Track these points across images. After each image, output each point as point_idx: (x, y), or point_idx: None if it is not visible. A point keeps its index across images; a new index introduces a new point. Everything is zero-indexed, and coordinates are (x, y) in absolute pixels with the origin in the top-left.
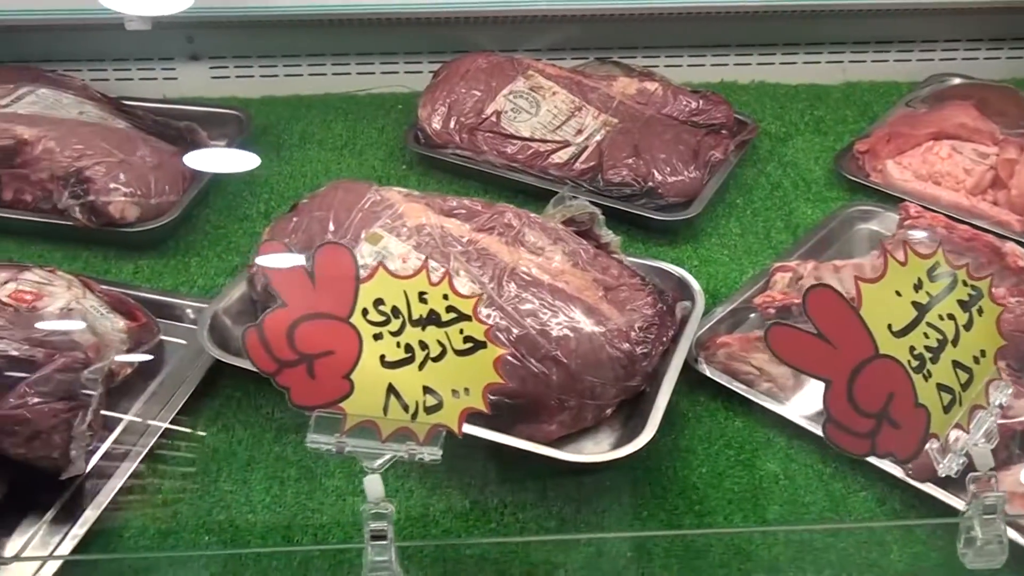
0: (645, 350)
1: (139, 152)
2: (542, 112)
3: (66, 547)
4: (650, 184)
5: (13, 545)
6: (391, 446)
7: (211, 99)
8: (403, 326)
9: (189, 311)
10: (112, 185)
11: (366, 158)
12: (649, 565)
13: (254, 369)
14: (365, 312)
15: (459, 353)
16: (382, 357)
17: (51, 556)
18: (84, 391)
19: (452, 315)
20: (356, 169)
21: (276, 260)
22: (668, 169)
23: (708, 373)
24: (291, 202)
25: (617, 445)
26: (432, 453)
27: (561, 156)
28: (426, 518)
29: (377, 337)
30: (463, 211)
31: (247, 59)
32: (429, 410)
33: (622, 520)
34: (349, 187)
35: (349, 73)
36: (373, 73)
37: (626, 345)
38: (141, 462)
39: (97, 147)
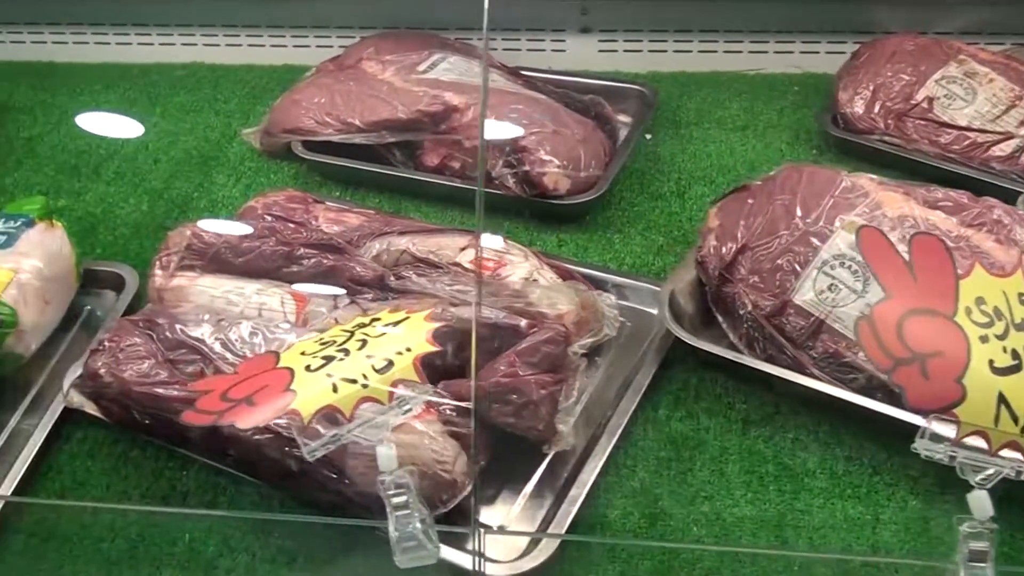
0: None
1: (566, 124)
2: (979, 100)
3: (560, 525)
4: None
5: (495, 514)
6: (998, 460)
7: (598, 72)
8: (1007, 330)
9: (615, 288)
10: (546, 156)
11: (771, 140)
12: None
13: (719, 353)
14: (968, 311)
15: None
16: (990, 362)
17: (549, 534)
18: (569, 364)
19: None
20: (763, 151)
21: (872, 247)
22: None
23: None
24: (703, 183)
25: None
26: None
27: (1003, 149)
28: None
29: (983, 339)
30: (948, 203)
31: (638, 33)
32: None
33: None
34: (813, 171)
35: (741, 52)
36: (766, 52)
37: None
38: (616, 443)
39: (529, 117)
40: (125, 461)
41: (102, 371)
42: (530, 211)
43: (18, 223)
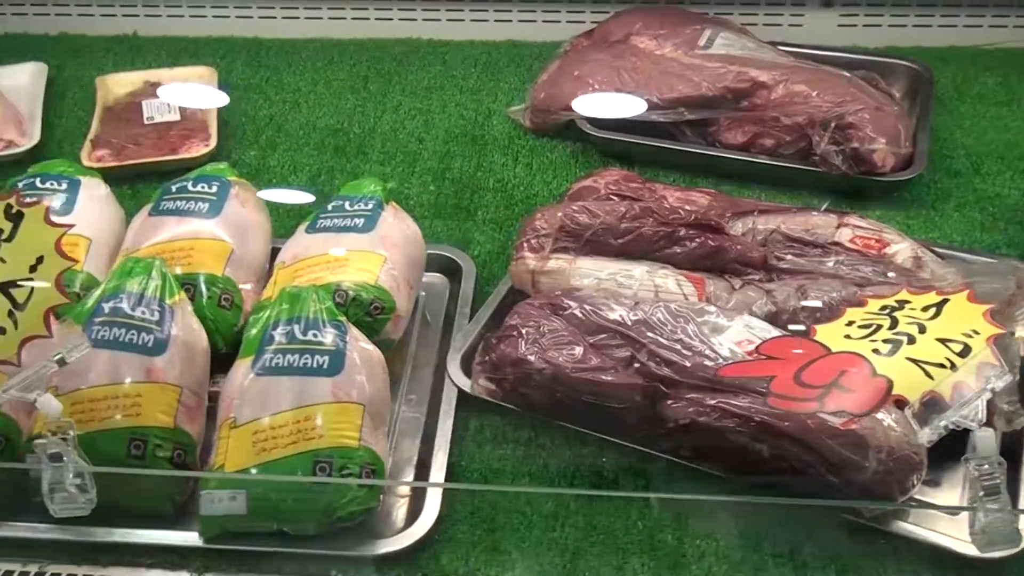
0: None
1: (881, 100)
2: None
3: None
4: None
5: (944, 496)
6: None
7: (850, 47)
8: None
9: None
10: (873, 133)
11: None
12: None
13: None
14: None
15: None
16: None
17: None
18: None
19: None
20: None
21: None
22: None
23: None
24: (993, 159)
25: None
26: None
27: None
28: None
29: None
30: None
31: (880, 7)
32: None
33: None
34: None
35: (980, 26)
36: (1005, 27)
37: None
38: None
39: (848, 93)
40: (536, 448)
41: (531, 358)
42: (840, 188)
43: (370, 205)
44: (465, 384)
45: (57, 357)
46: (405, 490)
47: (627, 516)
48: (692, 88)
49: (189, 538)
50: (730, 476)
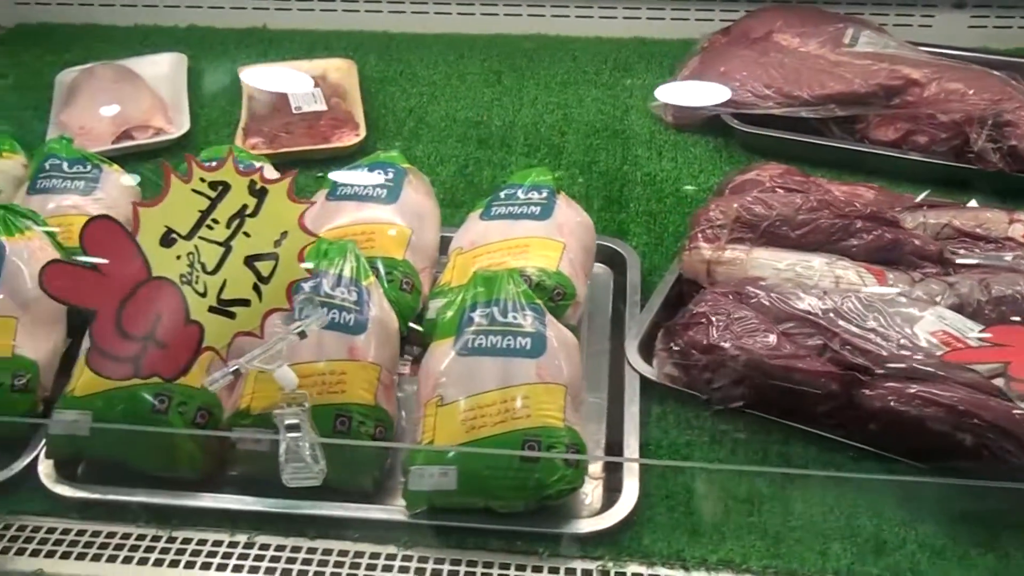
0: None
1: None
2: None
3: None
4: None
5: None
6: None
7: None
8: None
9: None
10: None
11: None
12: None
13: None
14: None
15: None
16: None
17: None
18: None
19: None
20: None
21: None
22: None
23: None
24: None
25: None
26: None
27: None
28: None
29: None
30: None
31: (1012, 9)
32: None
33: None
34: None
35: None
36: None
37: None
38: None
39: (1006, 92)
40: (721, 435)
41: (724, 344)
42: (994, 186)
43: (544, 194)
44: (647, 371)
45: (298, 329)
46: (599, 472)
47: (823, 502)
48: (844, 85)
49: (392, 513)
50: (923, 464)
